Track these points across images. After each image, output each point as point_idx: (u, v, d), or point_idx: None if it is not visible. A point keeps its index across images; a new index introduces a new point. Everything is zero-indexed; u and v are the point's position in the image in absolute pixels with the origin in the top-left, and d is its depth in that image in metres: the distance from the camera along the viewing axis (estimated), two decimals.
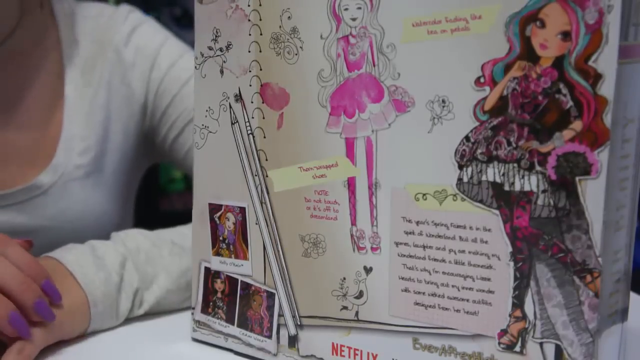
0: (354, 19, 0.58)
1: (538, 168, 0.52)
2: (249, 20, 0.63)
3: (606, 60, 0.49)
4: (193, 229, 0.70)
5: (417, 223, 0.57)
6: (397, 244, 0.58)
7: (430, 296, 0.57)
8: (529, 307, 0.53)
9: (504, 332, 0.55)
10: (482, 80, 0.53)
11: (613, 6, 0.48)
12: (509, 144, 0.53)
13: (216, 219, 0.68)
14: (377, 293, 0.60)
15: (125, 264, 0.74)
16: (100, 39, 1.00)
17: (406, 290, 0.58)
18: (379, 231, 0.59)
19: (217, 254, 0.68)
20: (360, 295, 0.61)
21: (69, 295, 0.69)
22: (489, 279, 0.55)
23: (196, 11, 0.66)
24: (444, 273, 0.56)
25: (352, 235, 0.60)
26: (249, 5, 0.62)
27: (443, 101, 0.55)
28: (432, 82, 0.55)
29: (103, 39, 1.00)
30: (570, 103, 0.50)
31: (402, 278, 0.58)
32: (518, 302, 0.54)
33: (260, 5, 0.62)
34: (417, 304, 0.58)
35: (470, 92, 0.53)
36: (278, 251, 0.64)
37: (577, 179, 0.50)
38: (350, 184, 0.60)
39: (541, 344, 0.53)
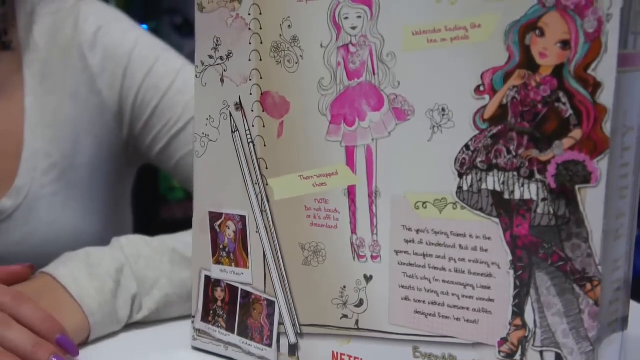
0: (354, 28, 0.58)
1: (538, 176, 0.52)
2: (250, 29, 0.63)
3: (605, 69, 0.49)
4: (193, 237, 0.70)
5: (417, 231, 0.57)
6: (397, 252, 0.58)
7: (431, 304, 0.57)
8: (529, 315, 0.53)
9: (504, 341, 0.55)
10: (481, 88, 0.53)
11: (612, 15, 0.48)
12: (509, 152, 0.53)
13: (216, 227, 0.68)
14: (377, 301, 0.60)
15: (123, 270, 0.74)
16: (61, 41, 0.91)
17: (406, 298, 0.58)
18: (379, 239, 0.59)
19: (218, 262, 0.68)
20: (360, 303, 0.61)
21: (64, 310, 0.69)
22: (489, 287, 0.55)
23: (197, 20, 0.66)
24: (444, 281, 0.57)
25: (352, 244, 0.60)
26: (249, 14, 0.63)
27: (443, 110, 0.55)
28: (432, 90, 0.55)
29: (64, 41, 0.91)
30: (570, 111, 0.50)
31: (402, 286, 0.58)
32: (518, 311, 0.54)
33: (260, 14, 0.62)
34: (417, 312, 0.58)
35: (470, 100, 0.54)
36: (278, 259, 0.64)
37: (576, 187, 0.51)
38: (351, 192, 0.60)
39: (541, 352, 0.53)
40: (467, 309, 0.56)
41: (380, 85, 0.57)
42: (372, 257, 0.59)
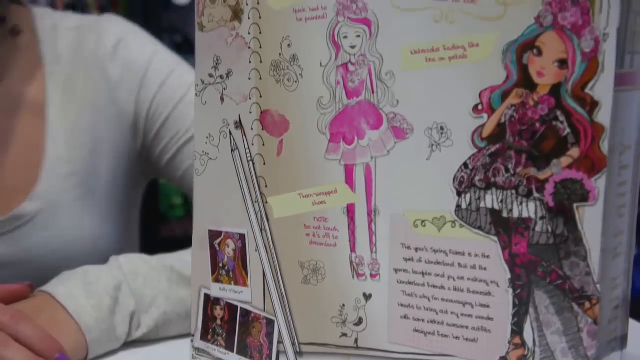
0: (353, 47, 0.58)
1: (536, 195, 0.52)
2: (249, 47, 0.63)
3: (602, 88, 0.49)
4: (193, 255, 0.70)
5: (416, 250, 0.57)
6: (396, 270, 0.58)
7: (430, 323, 0.57)
8: (528, 334, 0.53)
9: (503, 359, 0.55)
10: (480, 107, 0.53)
11: (609, 35, 0.49)
12: (507, 170, 0.53)
13: (216, 246, 0.68)
14: (376, 320, 0.60)
15: (121, 287, 0.74)
16: (83, 54, 0.95)
17: (405, 317, 0.58)
18: (378, 258, 0.59)
19: (217, 280, 0.68)
20: (359, 322, 0.61)
21: (62, 329, 0.70)
22: (488, 306, 0.55)
23: (197, 39, 0.66)
24: (443, 300, 0.57)
25: (351, 262, 0.60)
26: (249, 33, 0.63)
27: (441, 128, 0.55)
28: (431, 109, 0.55)
29: (86, 54, 0.95)
30: (568, 130, 0.50)
31: (402, 305, 0.58)
32: (517, 329, 0.54)
33: (260, 33, 0.62)
34: (416, 330, 0.58)
35: (468, 119, 0.54)
36: (278, 278, 0.64)
37: (574, 205, 0.51)
38: (350, 210, 0.60)
39: None
40: (467, 327, 0.56)
41: (379, 104, 0.57)
42: (371, 275, 0.59)
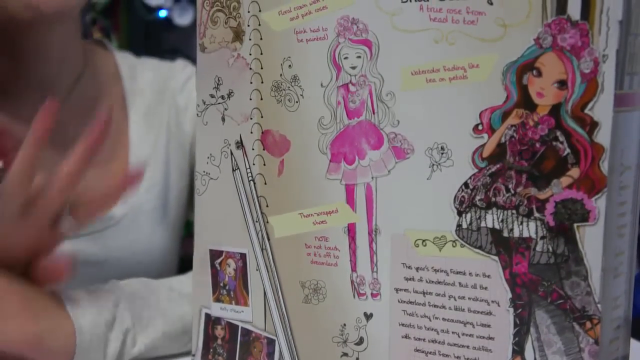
0: (353, 67, 0.59)
1: (536, 214, 0.52)
2: (251, 68, 0.64)
3: (602, 109, 0.49)
4: (194, 275, 0.70)
5: (417, 269, 0.57)
6: (397, 290, 0.58)
7: (431, 342, 0.57)
8: (529, 353, 0.53)
9: None
10: (480, 127, 0.54)
11: (608, 56, 0.49)
12: (508, 190, 0.53)
13: (217, 265, 0.68)
14: (377, 339, 0.60)
15: (119, 305, 0.74)
16: (160, 87, 1.08)
17: (406, 336, 0.58)
18: (379, 277, 0.59)
19: (218, 300, 0.68)
20: (360, 341, 0.61)
21: (53, 316, 0.70)
22: (489, 325, 0.55)
23: (198, 60, 0.67)
24: (444, 319, 0.57)
25: (352, 281, 0.60)
26: (250, 54, 0.63)
27: (442, 148, 0.55)
28: (431, 129, 0.56)
29: (163, 87, 1.08)
30: (567, 150, 0.51)
31: (402, 324, 0.58)
32: (518, 349, 0.54)
33: (261, 54, 0.63)
34: (417, 350, 0.58)
35: (468, 139, 0.54)
36: (279, 297, 0.64)
37: (575, 225, 0.51)
38: (350, 230, 0.60)
39: None
40: (467, 347, 0.56)
41: (379, 124, 0.58)
42: (372, 294, 0.59)
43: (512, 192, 0.53)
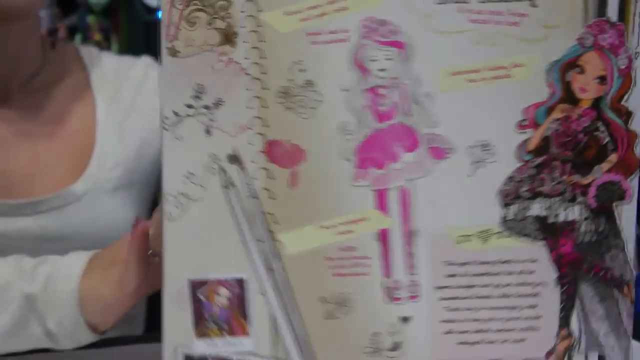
0: (382, 70, 0.57)
1: (580, 199, 0.58)
2: (247, 73, 0.57)
3: (635, 100, 0.56)
4: (165, 313, 0.60)
5: (460, 264, 0.59)
6: (438, 288, 0.59)
7: (475, 333, 0.59)
8: (574, 324, 0.59)
9: (550, 352, 0.59)
10: (524, 122, 0.57)
11: (639, 53, 0.56)
12: (553, 179, 0.58)
13: (201, 297, 0.60)
14: (417, 341, 0.59)
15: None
16: (131, 75, 1.09)
17: (449, 332, 0.59)
18: (418, 279, 0.59)
19: (203, 335, 0.60)
20: (395, 347, 0.60)
21: None
22: (535, 306, 0.59)
23: (164, 66, 0.58)
24: (490, 308, 0.59)
25: (385, 288, 0.59)
26: (246, 58, 0.57)
27: (484, 145, 0.57)
28: (473, 127, 0.57)
29: (134, 76, 1.09)
30: (607, 138, 0.57)
31: (444, 321, 0.59)
32: (564, 322, 0.59)
33: (263, 58, 0.57)
34: (461, 343, 0.59)
35: (512, 134, 0.57)
36: (294, 318, 0.60)
37: (614, 204, 0.57)
38: (382, 235, 0.58)
39: (586, 355, 0.59)
40: (514, 330, 0.59)
41: (415, 126, 0.57)
42: (410, 297, 0.59)
43: (557, 180, 0.57)
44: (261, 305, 0.60)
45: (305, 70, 0.57)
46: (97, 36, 2.02)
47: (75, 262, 0.80)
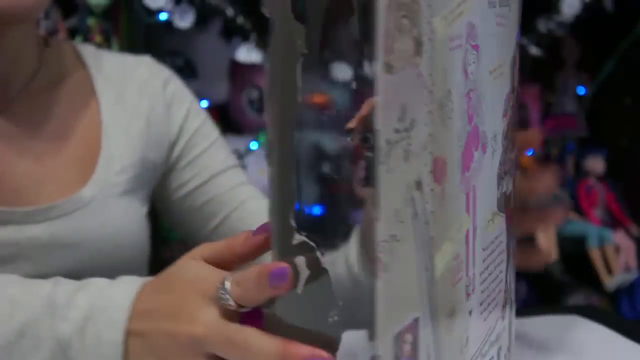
0: (472, 73, 0.57)
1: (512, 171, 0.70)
2: (426, 87, 0.49)
3: None
4: None
5: (484, 250, 0.63)
6: (479, 274, 0.62)
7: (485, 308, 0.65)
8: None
9: None
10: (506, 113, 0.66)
11: None
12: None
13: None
14: (474, 335, 0.61)
15: None
16: (135, 77, 1.05)
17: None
18: (475, 271, 0.61)
19: None
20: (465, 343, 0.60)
21: None
22: (502, 272, 0.68)
23: (381, 85, 0.44)
24: (491, 282, 0.66)
25: (466, 287, 0.59)
26: (428, 72, 0.49)
27: (495, 137, 0.64)
28: (492, 121, 0.63)
29: (139, 78, 1.05)
30: None
31: (481, 304, 0.63)
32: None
33: (435, 68, 0.50)
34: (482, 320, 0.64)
35: (501, 124, 0.65)
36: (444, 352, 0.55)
37: None
38: (467, 236, 0.59)
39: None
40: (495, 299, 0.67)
41: (481, 126, 0.59)
42: (472, 290, 0.61)
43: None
44: (425, 344, 0.53)
45: (447, 78, 0.53)
46: (98, 38, 1.91)
47: (123, 295, 0.65)
